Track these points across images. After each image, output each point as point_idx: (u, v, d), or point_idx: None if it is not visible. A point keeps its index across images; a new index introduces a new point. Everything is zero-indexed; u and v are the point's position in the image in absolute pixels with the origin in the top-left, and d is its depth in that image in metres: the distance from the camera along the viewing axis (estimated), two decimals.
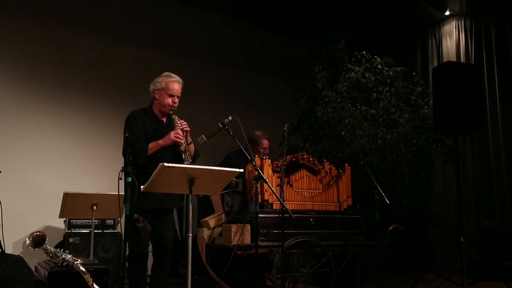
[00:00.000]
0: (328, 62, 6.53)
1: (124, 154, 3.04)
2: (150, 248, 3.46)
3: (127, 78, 6.41)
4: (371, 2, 6.94)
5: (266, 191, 4.05)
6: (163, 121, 3.51)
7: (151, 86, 3.49)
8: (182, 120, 3.43)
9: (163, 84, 3.44)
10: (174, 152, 3.36)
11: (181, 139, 3.32)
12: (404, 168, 6.00)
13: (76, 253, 4.52)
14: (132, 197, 2.74)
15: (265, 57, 7.70)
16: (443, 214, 6.97)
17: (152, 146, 3.31)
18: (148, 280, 3.49)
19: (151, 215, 3.35)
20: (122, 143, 3.04)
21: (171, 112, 3.43)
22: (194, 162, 3.49)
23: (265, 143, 4.82)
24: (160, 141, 3.32)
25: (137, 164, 3.18)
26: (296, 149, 6.28)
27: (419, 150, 6.11)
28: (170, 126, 3.42)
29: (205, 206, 4.54)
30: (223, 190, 3.86)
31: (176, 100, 3.45)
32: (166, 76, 3.49)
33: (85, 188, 5.36)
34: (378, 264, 4.60)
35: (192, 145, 3.50)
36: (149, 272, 3.47)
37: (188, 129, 3.42)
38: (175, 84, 3.45)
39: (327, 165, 4.55)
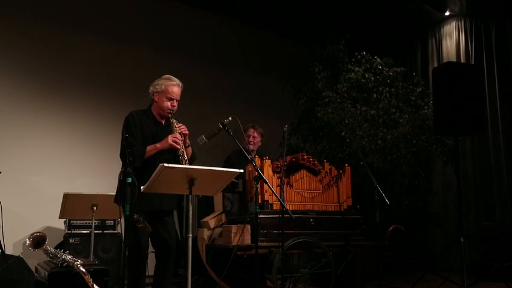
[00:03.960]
0: (328, 62, 6.53)
1: (122, 156, 3.04)
2: (151, 248, 3.47)
3: (126, 78, 6.41)
4: (370, 2, 6.94)
5: (266, 192, 4.05)
6: (161, 123, 3.50)
7: (151, 88, 3.48)
8: (181, 124, 3.42)
9: (163, 87, 3.42)
10: (172, 155, 3.36)
11: (179, 143, 3.31)
12: (404, 168, 6.00)
13: (76, 254, 4.53)
14: (132, 197, 2.74)
15: (265, 58, 7.70)
16: (443, 214, 6.96)
17: (150, 149, 3.30)
18: (149, 280, 3.49)
19: (150, 216, 3.35)
20: (120, 144, 3.03)
21: (170, 115, 3.41)
22: (191, 165, 3.49)
23: (250, 131, 4.85)
24: (157, 145, 3.31)
25: (134, 166, 3.17)
26: (296, 150, 6.29)
27: (419, 151, 6.11)
28: (169, 128, 3.41)
29: (205, 206, 4.53)
30: (224, 190, 3.87)
31: (175, 104, 3.43)
32: (166, 79, 3.47)
33: (85, 188, 5.35)
34: (379, 264, 4.60)
35: (190, 148, 3.48)
36: (151, 273, 3.47)
37: (186, 132, 3.40)
38: (175, 87, 3.43)
39: (327, 166, 4.55)
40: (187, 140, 3.44)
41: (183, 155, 3.33)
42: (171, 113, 3.41)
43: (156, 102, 3.46)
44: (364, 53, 6.33)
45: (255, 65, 7.66)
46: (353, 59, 6.37)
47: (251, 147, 4.77)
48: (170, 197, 3.35)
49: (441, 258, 5.56)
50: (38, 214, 5.37)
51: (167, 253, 3.42)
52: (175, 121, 3.41)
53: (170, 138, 3.29)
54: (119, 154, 3.14)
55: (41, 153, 5.69)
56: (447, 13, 7.34)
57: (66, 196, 3.98)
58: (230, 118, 3.51)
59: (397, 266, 6.20)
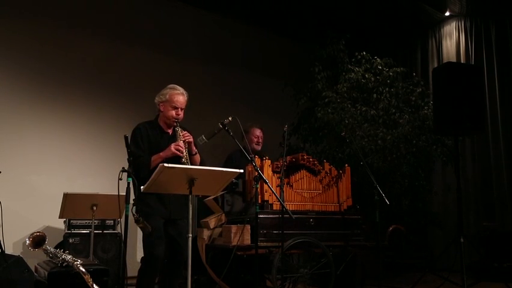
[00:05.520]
0: (328, 62, 6.53)
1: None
2: None
3: (126, 78, 6.41)
4: (370, 3, 6.95)
5: (266, 192, 4.05)
6: (168, 133, 3.53)
7: (156, 98, 3.51)
8: (185, 132, 3.43)
9: (167, 96, 3.46)
10: (177, 163, 3.35)
11: (182, 151, 3.31)
12: (404, 168, 6.00)
13: (76, 253, 4.52)
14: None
15: (265, 58, 7.70)
16: (443, 215, 6.97)
17: (155, 158, 3.33)
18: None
19: (164, 221, 3.39)
20: (125, 148, 3.03)
21: (175, 124, 3.44)
22: None
23: (256, 131, 4.75)
24: (161, 154, 3.33)
25: (139, 176, 3.16)
26: (296, 150, 6.29)
27: (419, 151, 6.11)
28: (175, 137, 3.42)
29: (205, 207, 4.53)
30: (223, 191, 3.86)
31: (180, 112, 3.46)
32: (171, 88, 3.50)
33: (85, 188, 5.36)
34: (378, 264, 4.60)
35: (198, 156, 3.51)
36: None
37: (191, 140, 3.41)
38: (179, 96, 3.46)
39: (327, 166, 4.55)
40: (193, 148, 3.45)
41: (187, 163, 3.32)
42: (176, 122, 3.43)
43: (162, 111, 3.50)
44: (364, 53, 6.33)
45: (255, 64, 7.65)
46: (353, 59, 6.37)
47: (258, 147, 4.72)
48: (179, 206, 3.37)
49: (441, 259, 5.57)
50: (38, 214, 5.37)
51: (177, 254, 3.43)
52: (179, 129, 3.42)
53: (173, 146, 3.31)
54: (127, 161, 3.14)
55: (41, 152, 5.69)
56: (447, 13, 7.34)
57: (66, 196, 3.97)
58: (230, 118, 3.51)
59: (397, 266, 6.20)
